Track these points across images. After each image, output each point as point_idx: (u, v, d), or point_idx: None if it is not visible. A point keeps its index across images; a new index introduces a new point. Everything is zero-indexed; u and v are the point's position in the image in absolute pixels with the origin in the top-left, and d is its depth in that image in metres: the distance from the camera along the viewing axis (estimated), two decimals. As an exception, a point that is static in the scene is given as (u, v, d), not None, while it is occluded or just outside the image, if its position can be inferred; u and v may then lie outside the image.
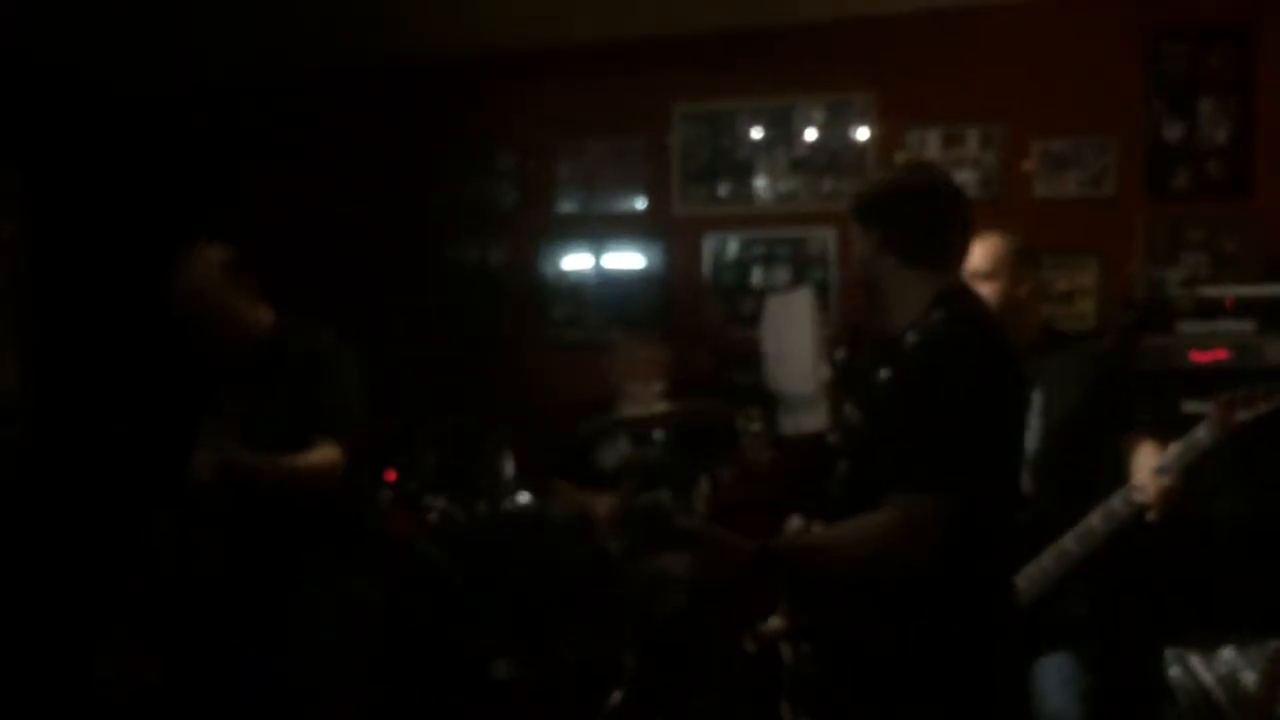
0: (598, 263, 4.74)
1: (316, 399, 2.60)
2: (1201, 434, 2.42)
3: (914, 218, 1.96)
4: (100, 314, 4.75)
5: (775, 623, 2.04)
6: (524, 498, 3.44)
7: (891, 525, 1.75)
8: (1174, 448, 2.42)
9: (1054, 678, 2.47)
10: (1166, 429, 2.58)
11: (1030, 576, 2.48)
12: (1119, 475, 2.56)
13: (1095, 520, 2.47)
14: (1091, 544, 2.46)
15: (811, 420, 3.69)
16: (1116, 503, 2.46)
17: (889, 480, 1.78)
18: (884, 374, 1.89)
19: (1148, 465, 2.47)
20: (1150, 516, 2.40)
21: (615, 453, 3.82)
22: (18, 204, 4.74)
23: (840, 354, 3.72)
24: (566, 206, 4.78)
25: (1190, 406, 3.14)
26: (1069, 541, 2.48)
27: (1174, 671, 2.41)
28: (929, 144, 4.29)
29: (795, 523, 2.04)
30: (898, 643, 1.85)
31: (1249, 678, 2.26)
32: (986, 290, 2.54)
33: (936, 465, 1.76)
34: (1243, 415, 2.40)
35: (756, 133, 4.53)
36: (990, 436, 1.84)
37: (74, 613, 3.18)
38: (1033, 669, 2.49)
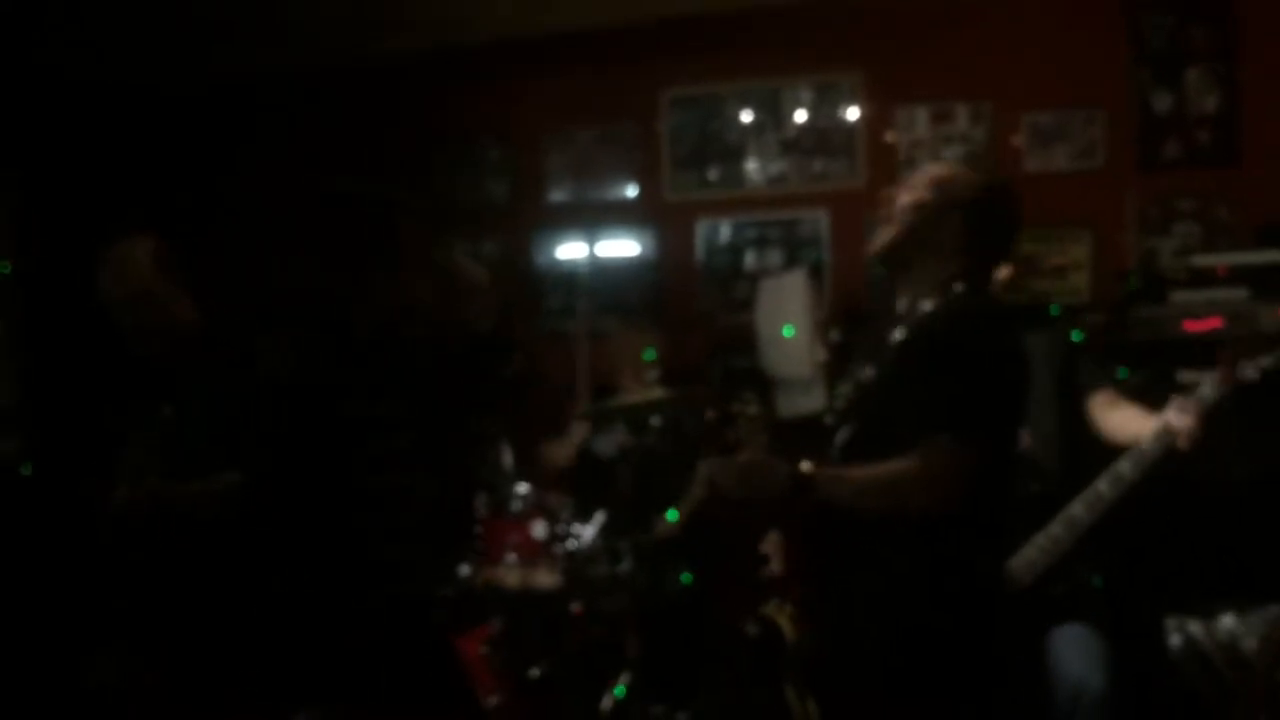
0: (590, 251, 4.74)
1: (230, 419, 2.55)
2: (1206, 389, 2.44)
3: (1004, 234, 2.07)
4: (100, 321, 4.74)
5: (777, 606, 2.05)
6: (523, 488, 3.44)
7: (923, 465, 1.81)
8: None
9: (1072, 648, 2.49)
10: (1155, 396, 2.62)
11: (1040, 546, 2.49)
12: (1095, 438, 2.59)
13: (1103, 485, 2.48)
14: (1101, 509, 2.47)
15: (808, 402, 3.69)
16: (1125, 466, 2.48)
17: (914, 429, 1.83)
18: (899, 335, 1.97)
19: (1128, 416, 2.55)
20: (1181, 444, 2.42)
21: (612, 440, 3.83)
22: (16, 200, 4.74)
23: (835, 335, 3.73)
24: (558, 196, 4.78)
25: (1185, 376, 3.15)
26: (1077, 508, 2.49)
27: (1174, 639, 2.42)
28: (918, 121, 4.29)
29: (807, 465, 2.07)
30: (906, 604, 1.87)
31: (1249, 644, 2.27)
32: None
33: (967, 416, 1.84)
34: (1245, 370, 2.41)
35: (745, 116, 4.52)
36: (1009, 397, 1.94)
37: (70, 621, 3.17)
38: (1048, 639, 2.51)
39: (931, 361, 1.88)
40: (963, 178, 2.06)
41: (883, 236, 2.06)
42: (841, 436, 2.02)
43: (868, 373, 2.03)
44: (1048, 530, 2.49)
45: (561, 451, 3.78)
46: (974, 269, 2.03)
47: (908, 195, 2.03)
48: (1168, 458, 2.46)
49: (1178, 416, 2.43)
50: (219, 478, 2.52)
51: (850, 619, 1.96)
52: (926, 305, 1.98)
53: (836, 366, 3.37)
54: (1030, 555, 2.49)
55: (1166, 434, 2.44)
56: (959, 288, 1.98)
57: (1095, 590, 2.57)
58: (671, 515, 3.38)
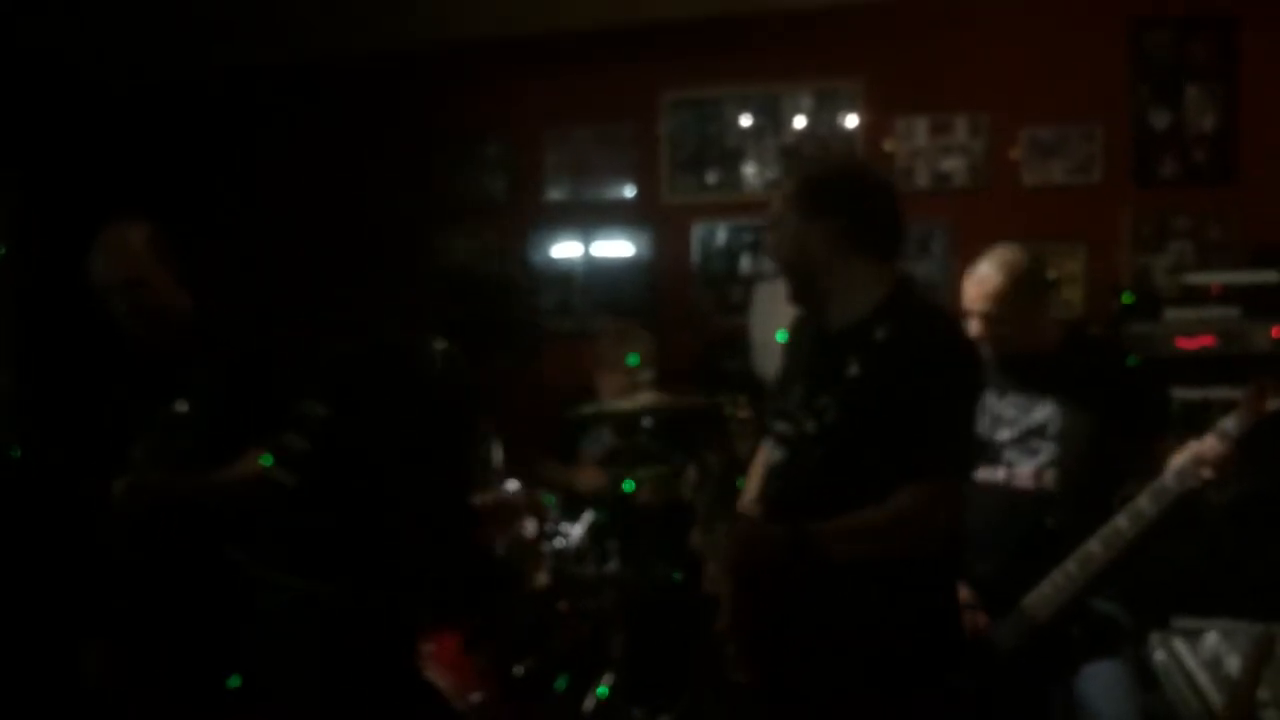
0: (586, 251, 4.73)
1: (241, 403, 2.51)
2: (1230, 423, 2.41)
3: (877, 209, 1.98)
4: (96, 313, 4.72)
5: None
6: (513, 485, 3.43)
7: (922, 508, 1.81)
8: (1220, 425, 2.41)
9: (1100, 688, 2.45)
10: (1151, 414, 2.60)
11: (1056, 582, 2.46)
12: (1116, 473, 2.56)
13: (1122, 522, 2.43)
14: (1119, 546, 2.43)
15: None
16: (1144, 502, 2.42)
17: (896, 466, 1.82)
18: (855, 368, 1.90)
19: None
20: (1206, 475, 2.36)
21: (602, 441, 3.82)
22: (16, 200, 4.72)
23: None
24: (555, 195, 4.77)
25: (1177, 393, 3.16)
26: (1095, 545, 2.44)
27: (1159, 656, 2.42)
28: (917, 131, 4.30)
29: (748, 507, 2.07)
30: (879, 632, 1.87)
31: (1232, 662, 2.27)
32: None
33: (953, 452, 1.86)
34: (1274, 404, 2.38)
35: (745, 120, 4.52)
36: (975, 414, 1.99)
37: (65, 616, 3.15)
38: (1076, 680, 2.47)
39: (905, 397, 1.82)
40: (781, 201, 2.01)
41: (786, 289, 2.06)
42: (811, 460, 1.96)
43: (824, 401, 1.92)
44: (1063, 566, 2.45)
45: (588, 477, 3.72)
46: (876, 246, 1.96)
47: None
48: (1189, 492, 2.41)
49: (1201, 452, 2.38)
50: (247, 459, 2.46)
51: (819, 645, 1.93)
52: (883, 331, 1.89)
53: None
54: (1046, 592, 2.46)
55: (1188, 468, 2.39)
56: (906, 307, 1.94)
57: (1119, 624, 2.52)
58: (628, 485, 3.37)
